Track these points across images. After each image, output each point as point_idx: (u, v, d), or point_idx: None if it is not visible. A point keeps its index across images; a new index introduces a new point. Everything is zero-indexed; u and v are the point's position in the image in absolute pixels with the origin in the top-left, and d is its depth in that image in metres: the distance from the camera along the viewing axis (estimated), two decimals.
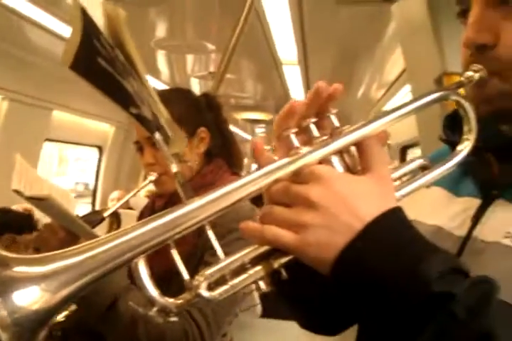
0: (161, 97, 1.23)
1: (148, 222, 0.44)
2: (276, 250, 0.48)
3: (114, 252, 0.41)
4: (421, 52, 1.61)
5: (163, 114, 0.73)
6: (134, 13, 2.63)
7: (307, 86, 4.08)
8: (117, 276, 0.99)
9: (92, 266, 0.40)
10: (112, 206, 1.28)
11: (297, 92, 4.55)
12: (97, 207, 4.84)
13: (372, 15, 2.31)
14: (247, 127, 7.98)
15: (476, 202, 0.61)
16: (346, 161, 0.49)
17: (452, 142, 0.60)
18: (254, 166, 0.51)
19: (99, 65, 0.57)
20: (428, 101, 0.51)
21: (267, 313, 1.69)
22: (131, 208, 3.73)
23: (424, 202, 0.71)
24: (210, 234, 0.48)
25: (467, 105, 0.54)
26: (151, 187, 1.29)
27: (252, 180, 0.46)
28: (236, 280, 0.47)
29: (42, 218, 2.60)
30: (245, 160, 1.38)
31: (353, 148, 0.50)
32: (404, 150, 4.12)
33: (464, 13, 0.59)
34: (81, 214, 1.20)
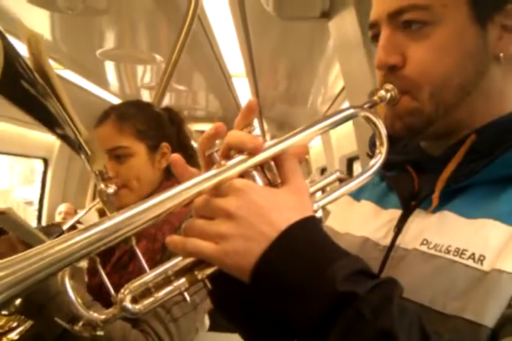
0: (122, 110, 1.22)
1: (71, 236, 0.44)
2: (201, 262, 0.50)
3: (32, 269, 0.42)
4: (356, 70, 1.67)
5: (83, 134, 0.75)
6: (81, 23, 2.60)
7: (257, 97, 4.14)
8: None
9: (9, 283, 0.40)
10: (69, 219, 1.24)
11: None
12: (44, 220, 4.66)
13: (312, 31, 2.38)
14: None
15: (399, 214, 0.65)
16: (267, 175, 0.52)
17: None
18: None
19: (23, 87, 0.58)
20: (340, 117, 0.55)
21: (214, 327, 1.68)
22: (80, 223, 3.62)
23: (355, 216, 0.75)
24: (134, 246, 0.49)
25: (376, 121, 0.58)
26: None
27: (174, 194, 0.48)
28: (161, 293, 0.48)
29: None
30: None
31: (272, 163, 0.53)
32: (350, 161, 4.25)
33: (376, 37, 0.64)
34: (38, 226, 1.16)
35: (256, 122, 5.31)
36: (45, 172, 4.89)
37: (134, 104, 1.35)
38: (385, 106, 0.63)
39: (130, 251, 1.03)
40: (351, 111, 0.56)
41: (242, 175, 0.50)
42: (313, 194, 0.57)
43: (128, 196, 1.18)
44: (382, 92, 0.60)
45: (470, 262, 0.53)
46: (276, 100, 4.60)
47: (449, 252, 0.55)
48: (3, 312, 0.93)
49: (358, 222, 0.73)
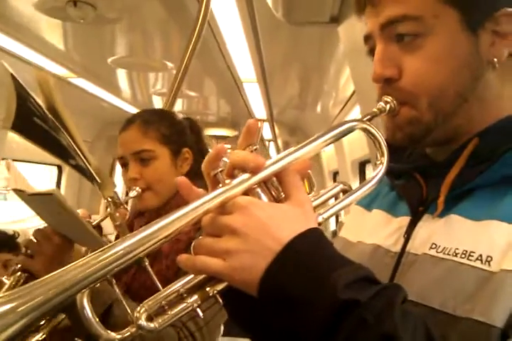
0: (147, 116, 1.26)
1: (86, 260, 0.46)
2: (212, 278, 0.51)
3: (51, 293, 0.44)
4: (367, 73, 1.67)
5: (92, 163, 0.80)
6: (92, 32, 2.64)
7: (268, 102, 4.15)
8: (107, 291, 0.99)
9: (27, 309, 0.43)
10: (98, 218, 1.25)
11: (258, 108, 4.62)
12: None
13: (322, 36, 2.39)
14: (213, 143, 8.01)
15: (408, 220, 0.66)
16: (271, 191, 0.53)
17: None
18: None
19: (36, 124, 0.62)
20: (340, 131, 0.55)
21: (228, 332, 1.68)
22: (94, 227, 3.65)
23: (367, 225, 0.76)
24: (148, 267, 0.50)
25: (375, 132, 0.58)
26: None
27: (182, 214, 0.50)
28: (175, 310, 0.50)
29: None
30: None
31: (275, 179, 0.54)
32: (362, 165, 4.23)
33: (371, 51, 0.65)
34: None
35: (268, 127, 5.32)
36: (59, 179, 4.96)
37: (157, 111, 1.40)
38: (385, 118, 0.64)
39: (153, 252, 1.06)
40: (350, 124, 0.56)
41: (247, 192, 0.52)
42: (317, 206, 0.57)
43: (151, 198, 1.20)
44: (381, 104, 0.61)
45: (478, 263, 0.53)
46: (287, 105, 4.62)
47: (456, 255, 0.55)
48: None
49: (370, 230, 0.74)
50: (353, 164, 4.31)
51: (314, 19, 2.01)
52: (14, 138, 3.86)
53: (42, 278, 0.45)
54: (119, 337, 0.48)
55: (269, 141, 6.51)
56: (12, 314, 0.42)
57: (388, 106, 0.61)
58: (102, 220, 1.20)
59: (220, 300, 0.51)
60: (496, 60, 0.60)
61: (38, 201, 1.02)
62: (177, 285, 0.52)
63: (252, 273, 0.48)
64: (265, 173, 0.52)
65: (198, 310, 0.51)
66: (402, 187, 0.70)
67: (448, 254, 0.56)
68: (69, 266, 0.46)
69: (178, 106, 4.71)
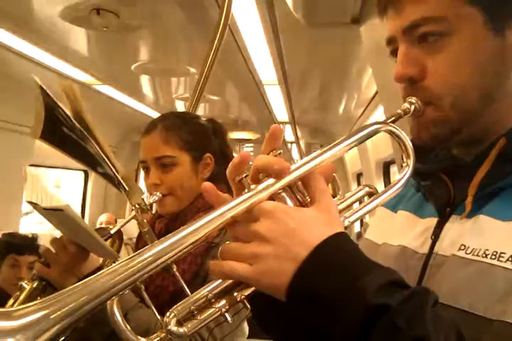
0: (169, 121, 1.26)
1: (116, 267, 0.47)
2: (239, 283, 0.52)
3: (81, 300, 0.45)
4: (389, 73, 1.65)
5: (120, 171, 0.81)
6: (116, 40, 2.69)
7: (290, 104, 4.14)
8: (126, 295, 1.00)
9: (59, 317, 0.43)
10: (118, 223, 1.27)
11: (280, 110, 4.62)
12: None
13: (343, 37, 2.37)
14: (236, 147, 8.05)
15: (435, 222, 0.65)
16: (296, 195, 0.54)
17: None
18: None
19: (64, 132, 0.64)
20: (364, 134, 0.55)
21: (252, 334, 1.68)
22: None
23: (392, 226, 0.75)
24: (176, 272, 0.51)
25: (401, 134, 0.57)
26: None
27: (209, 220, 0.50)
28: (204, 315, 0.51)
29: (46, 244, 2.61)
30: None
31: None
32: (387, 166, 4.17)
33: (394, 52, 0.64)
34: None
35: (290, 129, 5.31)
36: (85, 184, 5.05)
37: (180, 115, 1.39)
38: (410, 119, 0.63)
39: None
40: (375, 127, 0.56)
41: (273, 197, 0.52)
42: (343, 210, 0.57)
43: (171, 204, 1.22)
44: (406, 105, 0.61)
45: (508, 264, 0.52)
46: (309, 107, 4.60)
47: (486, 256, 0.54)
48: None
49: (396, 231, 0.73)
50: (377, 165, 4.26)
51: (335, 20, 2.00)
52: (42, 144, 3.95)
53: (73, 286, 0.46)
54: None
55: (292, 143, 6.49)
56: (45, 321, 0.42)
57: (413, 107, 0.60)
58: (120, 227, 1.22)
59: (248, 305, 0.52)
60: None
61: (51, 214, 1.04)
62: (205, 290, 0.52)
63: (280, 277, 0.48)
64: (290, 177, 0.52)
65: (227, 314, 0.51)
66: (428, 188, 0.69)
67: (477, 255, 0.55)
68: (98, 273, 0.47)
69: (201, 111, 4.75)
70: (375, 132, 0.56)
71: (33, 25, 2.36)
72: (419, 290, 0.48)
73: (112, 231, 1.19)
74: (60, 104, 0.69)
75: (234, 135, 6.47)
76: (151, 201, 1.18)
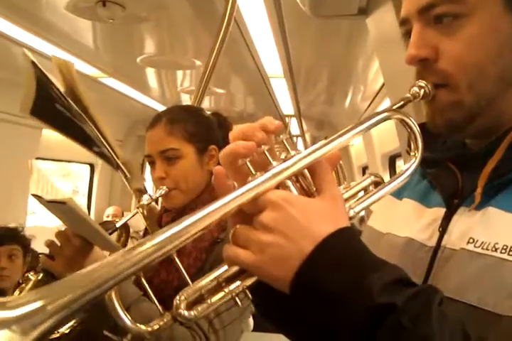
0: (173, 114, 1.27)
1: (118, 256, 0.46)
2: (242, 272, 0.51)
3: (82, 290, 0.43)
4: (396, 65, 1.64)
5: (120, 156, 0.80)
6: (121, 32, 2.68)
7: (295, 97, 4.12)
8: (129, 288, 1.00)
9: (56, 308, 0.42)
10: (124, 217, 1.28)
11: (285, 104, 4.60)
12: None
13: (350, 29, 2.35)
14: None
15: (442, 212, 0.64)
16: (302, 184, 0.53)
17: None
18: None
19: (57, 110, 0.62)
20: (374, 122, 0.54)
21: (258, 327, 1.69)
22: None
23: (397, 215, 0.73)
24: (177, 261, 0.51)
25: (411, 123, 0.56)
26: None
27: (216, 208, 0.49)
28: (214, 298, 0.50)
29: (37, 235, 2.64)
30: None
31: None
32: (392, 159, 4.15)
33: (407, 34, 0.63)
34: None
35: (295, 122, 5.29)
36: (91, 177, 5.07)
37: (185, 108, 1.39)
38: (424, 104, 0.62)
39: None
40: (385, 114, 0.55)
41: (278, 185, 0.51)
42: (348, 199, 0.56)
43: (178, 197, 1.22)
44: (415, 89, 0.59)
45: None
46: (314, 100, 4.58)
47: (496, 250, 0.53)
48: None
49: (401, 221, 0.72)
50: (382, 158, 4.24)
51: (342, 12, 1.98)
52: (50, 137, 3.96)
53: (70, 276, 0.44)
54: (149, 329, 0.48)
55: (297, 136, 6.48)
56: (41, 313, 0.41)
57: (422, 90, 0.59)
58: (127, 220, 1.22)
59: (249, 295, 0.51)
60: None
61: (55, 207, 1.04)
62: (210, 276, 0.51)
63: (283, 268, 0.48)
64: (298, 166, 0.51)
65: (237, 299, 0.50)
66: (434, 176, 0.68)
67: (487, 249, 0.54)
68: (97, 263, 0.45)
69: (206, 104, 4.73)
70: (386, 119, 0.55)
71: (39, 18, 2.36)
72: (425, 288, 0.47)
73: (118, 225, 1.20)
74: (55, 82, 0.67)
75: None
76: (158, 195, 1.19)
